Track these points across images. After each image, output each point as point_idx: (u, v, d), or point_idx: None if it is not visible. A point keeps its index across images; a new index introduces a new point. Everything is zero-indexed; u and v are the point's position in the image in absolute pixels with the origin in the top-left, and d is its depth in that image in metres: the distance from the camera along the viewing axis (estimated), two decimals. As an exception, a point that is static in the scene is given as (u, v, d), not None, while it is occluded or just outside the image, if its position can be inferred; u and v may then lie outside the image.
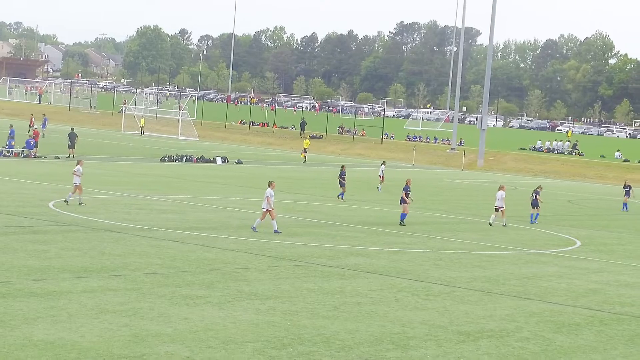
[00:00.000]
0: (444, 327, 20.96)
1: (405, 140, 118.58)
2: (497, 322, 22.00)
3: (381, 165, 58.90)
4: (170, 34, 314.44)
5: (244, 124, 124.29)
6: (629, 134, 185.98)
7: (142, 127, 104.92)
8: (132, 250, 28.08)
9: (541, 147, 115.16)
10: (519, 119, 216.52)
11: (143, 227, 33.08)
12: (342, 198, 48.74)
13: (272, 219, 34.03)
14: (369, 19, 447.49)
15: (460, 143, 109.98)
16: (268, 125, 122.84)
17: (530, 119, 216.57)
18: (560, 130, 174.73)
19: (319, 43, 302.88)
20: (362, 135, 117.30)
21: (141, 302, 21.11)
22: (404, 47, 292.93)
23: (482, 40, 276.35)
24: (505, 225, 42.28)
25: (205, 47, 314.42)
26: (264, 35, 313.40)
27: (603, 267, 32.18)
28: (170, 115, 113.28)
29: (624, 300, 26.10)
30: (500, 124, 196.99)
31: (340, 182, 49.63)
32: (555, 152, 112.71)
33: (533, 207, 45.41)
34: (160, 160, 68.14)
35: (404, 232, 37.37)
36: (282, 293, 23.32)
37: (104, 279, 23.47)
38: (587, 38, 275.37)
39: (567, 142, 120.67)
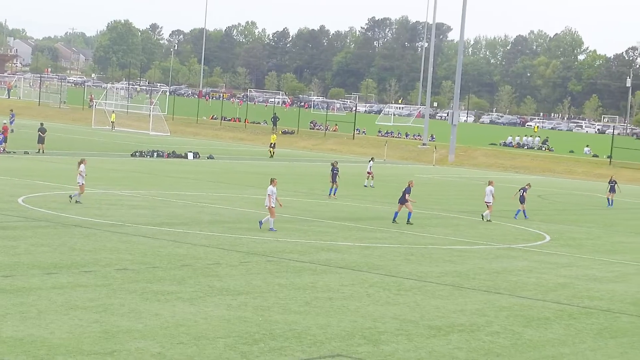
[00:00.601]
0: (415, 322, 21.04)
1: (377, 135, 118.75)
2: (467, 316, 22.12)
3: (369, 161, 58.90)
4: (141, 29, 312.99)
5: (215, 119, 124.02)
6: (598, 129, 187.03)
7: (112, 122, 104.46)
8: (103, 246, 27.99)
9: (511, 142, 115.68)
10: (489, 114, 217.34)
11: (114, 222, 32.97)
12: (334, 195, 48.53)
13: (271, 217, 33.94)
14: (340, 15, 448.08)
15: (432, 138, 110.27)
16: (240, 121, 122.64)
17: (500, 114, 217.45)
18: (530, 125, 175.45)
19: (290, 38, 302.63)
20: (334, 130, 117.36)
21: (112, 298, 21.06)
22: (375, 43, 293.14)
23: (453, 36, 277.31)
24: (489, 220, 42.62)
25: (177, 42, 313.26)
26: (235, 31, 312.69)
27: (572, 262, 32.40)
28: (141, 111, 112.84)
29: (593, 295, 26.30)
30: (471, 119, 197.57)
31: (332, 178, 49.33)
32: (525, 147, 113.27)
33: (521, 203, 45.81)
34: (131, 155, 67.92)
35: (376, 227, 37.46)
36: (253, 288, 23.33)
37: (74, 275, 23.39)
38: (556, 34, 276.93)
39: (537, 138, 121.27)
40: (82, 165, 38.25)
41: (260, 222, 34.20)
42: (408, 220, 39.28)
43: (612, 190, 56.03)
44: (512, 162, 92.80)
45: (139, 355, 16.72)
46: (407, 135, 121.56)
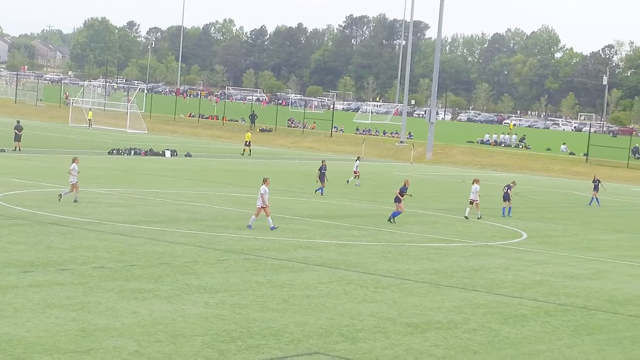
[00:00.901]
0: (392, 319, 21.09)
1: (355, 133, 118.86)
2: (444, 313, 22.18)
3: (356, 160, 58.88)
4: (118, 26, 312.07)
5: (193, 117, 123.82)
6: (575, 127, 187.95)
7: (89, 119, 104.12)
8: (80, 244, 27.90)
9: (489, 140, 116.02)
10: (467, 112, 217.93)
11: (91, 220, 32.87)
12: (321, 194, 48.50)
13: (267, 216, 33.89)
14: (318, 13, 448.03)
15: (409, 136, 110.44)
16: (217, 119, 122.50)
17: (478, 112, 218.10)
18: (507, 123, 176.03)
19: (268, 36, 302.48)
20: (312, 128, 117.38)
21: (89, 296, 21.00)
22: (353, 41, 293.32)
23: (431, 34, 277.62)
24: (479, 218, 42.73)
25: (154, 39, 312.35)
26: (213, 28, 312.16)
27: (549, 259, 32.53)
28: (119, 108, 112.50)
29: (569, 292, 26.42)
30: (448, 117, 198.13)
31: (320, 177, 49.25)
32: (503, 145, 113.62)
33: (504, 201, 46.04)
34: (109, 153, 67.70)
35: (353, 225, 37.50)
36: (231, 286, 23.32)
37: (50, 273, 23.30)
38: (533, 32, 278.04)
39: (515, 136, 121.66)
40: (73, 164, 38.18)
41: (249, 226, 33.98)
42: (390, 218, 39.23)
43: (595, 189, 56.24)
44: (490, 160, 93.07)
45: (116, 353, 16.68)
46: (384, 133, 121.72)
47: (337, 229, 36.07)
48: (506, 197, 45.96)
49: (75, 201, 37.52)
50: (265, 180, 34.52)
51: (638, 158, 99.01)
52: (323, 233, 34.52)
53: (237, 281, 24.05)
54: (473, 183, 43.87)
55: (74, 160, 38.57)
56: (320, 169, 49.46)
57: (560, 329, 21.60)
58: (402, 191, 39.94)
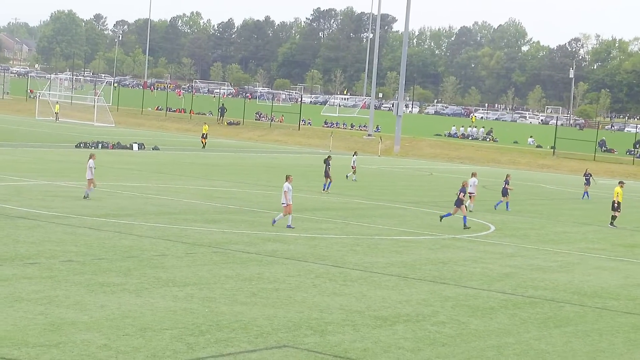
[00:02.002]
0: (361, 312, 21.12)
1: (323, 126, 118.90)
2: (413, 306, 22.24)
3: (353, 155, 58.86)
4: (85, 19, 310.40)
5: (160, 110, 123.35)
6: (542, 120, 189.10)
7: (56, 113, 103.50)
8: (47, 237, 27.74)
9: (456, 133, 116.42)
10: (434, 105, 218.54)
11: (58, 214, 32.68)
12: (328, 189, 48.46)
13: (288, 214, 33.68)
14: (285, 5, 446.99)
15: (377, 129, 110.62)
16: (185, 112, 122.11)
17: (445, 105, 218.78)
18: (475, 116, 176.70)
19: (235, 29, 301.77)
20: (280, 121, 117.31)
21: (57, 290, 20.89)
22: (320, 34, 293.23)
23: (398, 27, 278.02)
24: (471, 211, 42.97)
25: (121, 32, 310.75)
26: (180, 21, 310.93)
27: (517, 252, 32.69)
28: (86, 102, 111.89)
29: (537, 284, 26.57)
30: (416, 110, 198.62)
31: (325, 173, 49.07)
32: (470, 138, 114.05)
33: (503, 196, 46.51)
34: (76, 146, 67.31)
35: (321, 218, 37.51)
36: (200, 280, 23.27)
37: (18, 267, 23.15)
38: (500, 25, 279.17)
39: (482, 129, 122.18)
40: (91, 160, 38.01)
41: (274, 220, 33.89)
42: (465, 225, 37.50)
43: (587, 182, 56.54)
44: (457, 153, 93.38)
45: (84, 347, 16.61)
46: (352, 126, 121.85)
47: (305, 222, 36.07)
48: (505, 192, 46.48)
49: (84, 197, 37.47)
50: (287, 178, 34.24)
51: (605, 151, 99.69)
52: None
53: (206, 275, 24.00)
54: (471, 176, 44.80)
55: (90, 157, 38.55)
56: (325, 164, 49.33)
57: (529, 322, 21.72)
58: (462, 193, 38.04)
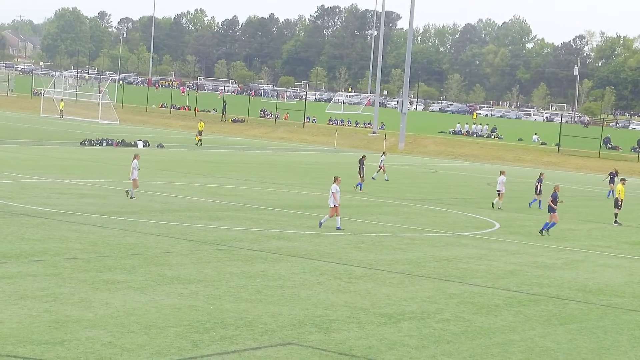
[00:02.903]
0: (365, 310, 21.11)
1: (327, 123, 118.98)
2: (418, 303, 22.23)
3: (382, 155, 58.83)
4: (89, 17, 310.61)
5: (165, 107, 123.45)
6: (546, 117, 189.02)
7: (61, 110, 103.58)
8: (52, 235, 27.75)
9: (460, 130, 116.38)
10: (438, 102, 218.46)
11: (63, 211, 32.70)
12: (360, 188, 48.67)
13: (337, 215, 33.47)
14: (290, 3, 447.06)
15: (382, 126, 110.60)
16: (189, 109, 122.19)
17: (450, 102, 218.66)
18: (480, 114, 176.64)
19: (240, 26, 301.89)
20: (285, 118, 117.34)
21: (61, 287, 20.90)
22: (325, 31, 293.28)
23: (402, 24, 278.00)
24: (499, 208, 44.16)
25: (125, 29, 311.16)
26: (184, 18, 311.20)
27: (521, 249, 32.66)
28: (90, 99, 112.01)
29: (542, 282, 26.55)
30: (420, 107, 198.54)
31: (360, 171, 49.40)
32: (475, 135, 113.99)
33: (537, 194, 47.13)
34: (80, 144, 67.35)
35: (326, 215, 37.44)
36: (204, 277, 23.27)
37: (23, 264, 23.17)
38: (504, 23, 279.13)
39: (486, 126, 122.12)
40: (135, 161, 38.09)
41: (320, 223, 33.74)
42: (542, 230, 36.86)
43: (612, 181, 56.44)
44: (462, 150, 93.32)
45: (89, 344, 16.62)
46: (357, 123, 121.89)
47: (310, 219, 36.06)
48: (538, 190, 47.14)
49: (131, 197, 37.56)
50: (336, 179, 34.08)
51: (609, 148, 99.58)
52: (296, 223, 34.50)
53: (210, 272, 24.01)
54: (500, 175, 45.68)
55: (135, 157, 38.66)
56: (360, 163, 49.57)
57: (533, 319, 21.70)
58: (554, 198, 37.06)
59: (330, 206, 33.50)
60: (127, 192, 38.21)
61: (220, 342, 17.50)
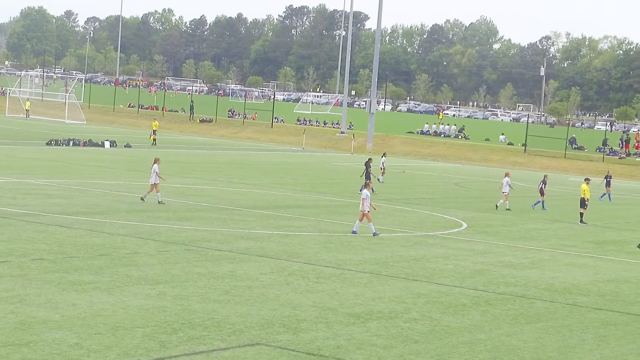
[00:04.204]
0: (334, 310, 21.14)
1: (296, 123, 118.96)
2: (386, 303, 22.29)
3: (382, 157, 58.82)
4: (55, 16, 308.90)
5: (132, 107, 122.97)
6: (513, 117, 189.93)
7: (27, 110, 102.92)
8: (18, 235, 27.57)
9: (428, 130, 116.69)
10: (406, 102, 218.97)
11: (29, 212, 32.50)
12: (372, 190, 48.83)
13: (369, 222, 33.43)
14: (258, 3, 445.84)
15: (350, 127, 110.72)
16: (157, 109, 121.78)
17: (417, 102, 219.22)
18: (447, 114, 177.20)
19: (208, 26, 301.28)
20: (253, 119, 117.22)
21: (27, 288, 20.77)
22: (293, 31, 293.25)
23: (371, 24, 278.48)
24: (508, 209, 45.41)
25: (92, 29, 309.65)
26: (152, 18, 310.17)
27: (488, 249, 32.82)
28: (57, 99, 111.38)
29: (508, 281, 26.69)
30: (388, 107, 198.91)
31: (365, 174, 49.68)
32: (442, 135, 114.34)
33: (541, 195, 48.23)
34: (47, 144, 66.97)
35: (294, 216, 37.51)
36: (172, 278, 23.21)
37: (-11, 265, 23.00)
38: (472, 23, 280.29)
39: (454, 126, 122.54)
40: (155, 165, 37.97)
41: (354, 231, 33.63)
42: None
43: (608, 184, 56.92)
44: (429, 150, 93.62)
45: (55, 346, 16.54)
46: (325, 123, 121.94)
47: (278, 219, 36.07)
48: (542, 192, 48.15)
49: (142, 199, 37.70)
50: (367, 185, 34.27)
51: (575, 148, 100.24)
52: (264, 224, 34.49)
53: (178, 272, 23.95)
54: (505, 176, 46.76)
55: (155, 161, 38.41)
56: (366, 166, 49.75)
57: (500, 318, 21.82)
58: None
59: (361, 211, 33.45)
60: (145, 197, 37.92)
61: (188, 342, 17.46)
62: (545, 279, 27.50)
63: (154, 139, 77.61)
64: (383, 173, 57.18)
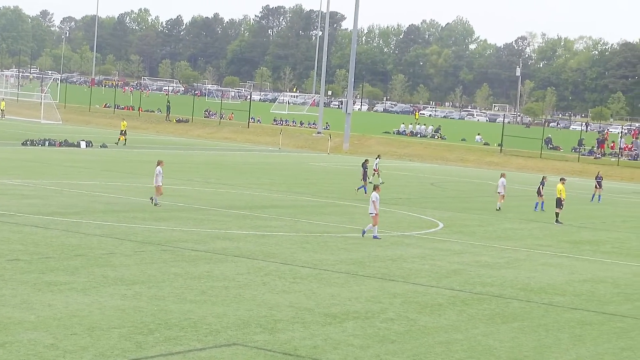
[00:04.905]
0: (310, 310, 21.15)
1: (272, 124, 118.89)
2: (362, 303, 22.32)
3: (376, 159, 58.68)
4: (31, 15, 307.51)
5: (108, 107, 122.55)
6: (489, 117, 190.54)
7: (2, 110, 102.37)
8: (-7, 236, 27.43)
9: (405, 130, 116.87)
10: (383, 103, 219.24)
11: (4, 212, 32.33)
12: (365, 192, 49.03)
13: (372, 224, 33.35)
14: (234, 3, 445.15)
15: (326, 127, 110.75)
16: (133, 109, 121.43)
17: (394, 103, 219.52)
18: (423, 114, 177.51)
19: (184, 26, 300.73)
20: (230, 119, 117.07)
21: (3, 289, 20.67)
22: (269, 31, 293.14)
23: (347, 24, 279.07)
24: (498, 209, 46.37)
25: (68, 29, 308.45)
26: (128, 18, 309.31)
27: (464, 249, 32.92)
28: (32, 99, 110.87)
29: (484, 281, 26.78)
30: (365, 107, 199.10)
31: (363, 175, 49.89)
32: (419, 135, 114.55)
33: (538, 195, 48.88)
34: (22, 144, 66.63)
35: (271, 216, 37.50)
36: (148, 278, 23.16)
37: (-37, 266, 22.87)
38: (448, 24, 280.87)
39: (431, 126, 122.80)
40: (158, 167, 37.77)
41: (364, 231, 33.59)
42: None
43: (598, 185, 57.09)
44: (406, 150, 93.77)
45: (31, 346, 16.46)
46: (301, 123, 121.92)
47: (255, 219, 36.05)
48: (539, 192, 48.80)
49: (155, 204, 37.28)
50: (376, 187, 34.13)
51: (551, 148, 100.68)
52: (241, 224, 34.46)
53: (155, 273, 23.89)
54: (500, 177, 47.69)
55: (158, 163, 38.23)
56: (363, 167, 49.80)
57: (476, 318, 21.89)
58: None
59: (371, 215, 33.36)
60: (151, 199, 37.84)
61: (164, 343, 17.43)
62: (522, 279, 27.61)
63: (124, 139, 76.85)
64: (378, 174, 57.02)
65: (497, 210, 46.52)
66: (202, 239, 30.11)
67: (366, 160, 51.43)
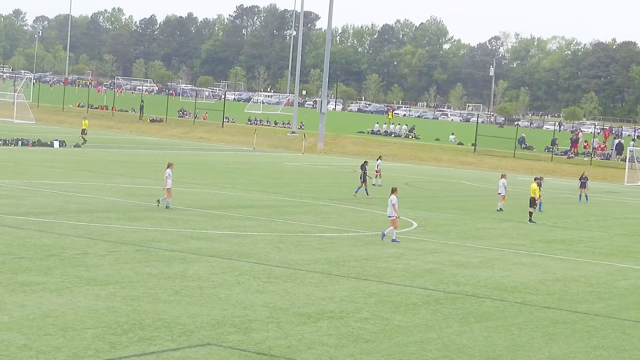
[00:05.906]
0: (285, 309, 21.16)
1: (246, 123, 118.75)
2: (337, 303, 22.35)
3: (377, 160, 58.55)
4: (3, 14, 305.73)
5: (82, 107, 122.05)
6: (463, 117, 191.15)
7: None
8: (-34, 237, 27.27)
9: (379, 130, 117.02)
10: (357, 102, 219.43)
11: (-23, 213, 32.15)
12: (367, 193, 49.26)
13: (392, 227, 33.31)
14: (208, 2, 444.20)
15: (301, 126, 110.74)
16: (107, 109, 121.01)
17: (368, 102, 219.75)
18: (397, 114, 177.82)
19: (158, 25, 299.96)
20: (204, 118, 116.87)
21: (-24, 290, 20.57)
22: (244, 31, 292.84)
23: (321, 24, 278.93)
24: (499, 210, 46.90)
25: (41, 28, 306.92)
26: (101, 17, 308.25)
27: (438, 248, 33.01)
28: (5, 98, 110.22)
29: (459, 280, 26.87)
30: (339, 107, 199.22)
31: (362, 176, 49.79)
32: (393, 135, 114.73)
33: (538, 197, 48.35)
34: (-6, 144, 66.26)
35: (245, 216, 37.48)
36: (122, 278, 23.09)
37: (-64, 267, 22.73)
38: (422, 23, 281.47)
39: (405, 126, 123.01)
40: (168, 170, 37.61)
41: (383, 234, 33.54)
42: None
43: (583, 186, 57.29)
44: (380, 150, 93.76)
45: (4, 347, 16.39)
46: (276, 123, 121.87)
47: (229, 219, 36.01)
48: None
49: (167, 207, 37.09)
50: (394, 190, 33.98)
51: (524, 148, 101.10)
52: (215, 224, 34.42)
53: (129, 273, 23.83)
54: (501, 178, 48.32)
55: (168, 166, 38.00)
56: (362, 169, 49.70)
57: (450, 317, 21.96)
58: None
59: (390, 218, 33.41)
60: (158, 201, 37.71)
61: (138, 343, 17.40)
62: (495, 278, 27.72)
63: (84, 138, 75.79)
64: (379, 176, 57.00)
65: (497, 211, 46.87)
66: (177, 239, 30.06)
67: (365, 162, 51.33)
